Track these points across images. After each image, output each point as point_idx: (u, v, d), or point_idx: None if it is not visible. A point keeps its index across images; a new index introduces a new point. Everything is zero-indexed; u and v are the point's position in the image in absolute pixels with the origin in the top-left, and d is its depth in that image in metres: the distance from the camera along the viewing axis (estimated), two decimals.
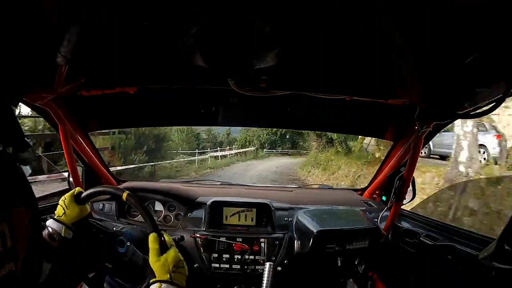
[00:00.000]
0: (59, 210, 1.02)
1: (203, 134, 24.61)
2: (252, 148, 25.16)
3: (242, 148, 24.56)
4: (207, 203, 1.51)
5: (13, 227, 0.43)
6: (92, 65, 1.08)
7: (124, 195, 1.05)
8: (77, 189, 1.08)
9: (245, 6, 0.77)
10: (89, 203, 1.56)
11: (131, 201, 1.07)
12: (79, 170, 1.54)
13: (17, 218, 0.45)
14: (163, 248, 0.95)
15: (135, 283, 1.11)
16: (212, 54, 0.91)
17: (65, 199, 1.03)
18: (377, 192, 1.77)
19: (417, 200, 1.67)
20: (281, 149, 27.35)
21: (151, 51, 1.02)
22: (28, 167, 0.59)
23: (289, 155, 25.41)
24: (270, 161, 20.64)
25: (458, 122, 6.13)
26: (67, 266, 1.03)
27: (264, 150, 26.19)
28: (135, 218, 1.55)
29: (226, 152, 20.40)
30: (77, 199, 1.05)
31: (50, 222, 0.99)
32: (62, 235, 0.96)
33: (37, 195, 0.52)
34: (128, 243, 1.13)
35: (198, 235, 1.43)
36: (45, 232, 0.98)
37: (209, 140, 24.92)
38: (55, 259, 0.94)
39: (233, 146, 24.58)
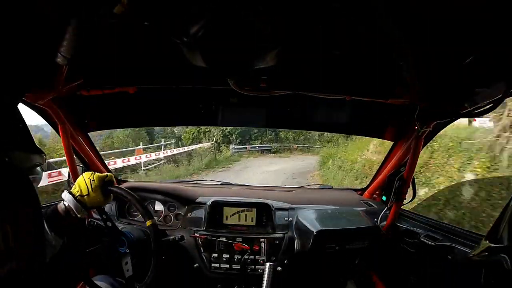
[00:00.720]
0: (82, 188, 0.93)
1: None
2: (206, 145, 14.25)
3: (190, 146, 13.68)
4: (207, 203, 1.51)
5: (16, 228, 0.43)
6: (92, 65, 1.08)
7: (148, 223, 1.06)
8: (110, 175, 1.01)
9: (245, 6, 0.77)
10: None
11: (151, 230, 1.09)
12: (79, 170, 1.54)
13: (20, 219, 0.45)
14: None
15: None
16: (212, 54, 0.91)
17: (94, 180, 0.94)
18: (377, 192, 1.77)
19: None
20: (260, 144, 16.33)
21: (151, 51, 1.02)
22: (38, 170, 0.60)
23: (274, 152, 15.42)
24: (247, 171, 10.65)
25: None
26: (73, 253, 0.99)
27: (232, 146, 15.31)
28: (135, 218, 1.55)
29: (140, 158, 9.45)
30: (105, 186, 0.97)
31: (68, 199, 0.91)
32: (78, 215, 0.90)
33: None
34: (128, 260, 1.13)
35: (198, 235, 1.43)
36: (61, 207, 0.91)
37: (166, 135, 16.93)
38: (66, 235, 0.89)
39: (168, 142, 14.00)
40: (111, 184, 1.01)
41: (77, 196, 0.92)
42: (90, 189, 0.93)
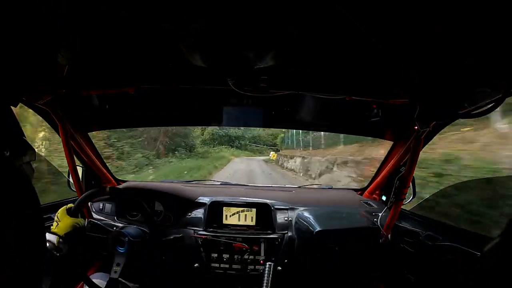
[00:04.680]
0: (54, 225, 1.11)
1: None
2: None
3: None
4: (207, 203, 1.51)
5: (15, 230, 0.43)
6: (92, 65, 1.08)
7: (107, 189, 1.19)
8: (69, 205, 1.20)
9: (245, 6, 0.77)
10: (90, 205, 1.57)
11: (115, 192, 1.21)
12: (79, 170, 1.54)
13: (19, 220, 0.44)
14: None
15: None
16: (212, 54, 0.91)
17: (58, 213, 1.14)
18: (377, 192, 1.77)
19: None
20: None
21: (151, 51, 1.02)
22: (30, 168, 0.59)
23: None
24: None
25: None
26: (64, 275, 1.12)
27: None
28: (135, 218, 1.55)
29: None
30: (70, 212, 1.15)
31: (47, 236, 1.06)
32: (56, 244, 1.05)
33: None
34: (121, 263, 1.20)
35: (198, 235, 1.43)
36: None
37: None
38: (54, 273, 1.02)
39: None
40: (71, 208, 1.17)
41: (51, 231, 1.10)
42: (58, 220, 1.11)
